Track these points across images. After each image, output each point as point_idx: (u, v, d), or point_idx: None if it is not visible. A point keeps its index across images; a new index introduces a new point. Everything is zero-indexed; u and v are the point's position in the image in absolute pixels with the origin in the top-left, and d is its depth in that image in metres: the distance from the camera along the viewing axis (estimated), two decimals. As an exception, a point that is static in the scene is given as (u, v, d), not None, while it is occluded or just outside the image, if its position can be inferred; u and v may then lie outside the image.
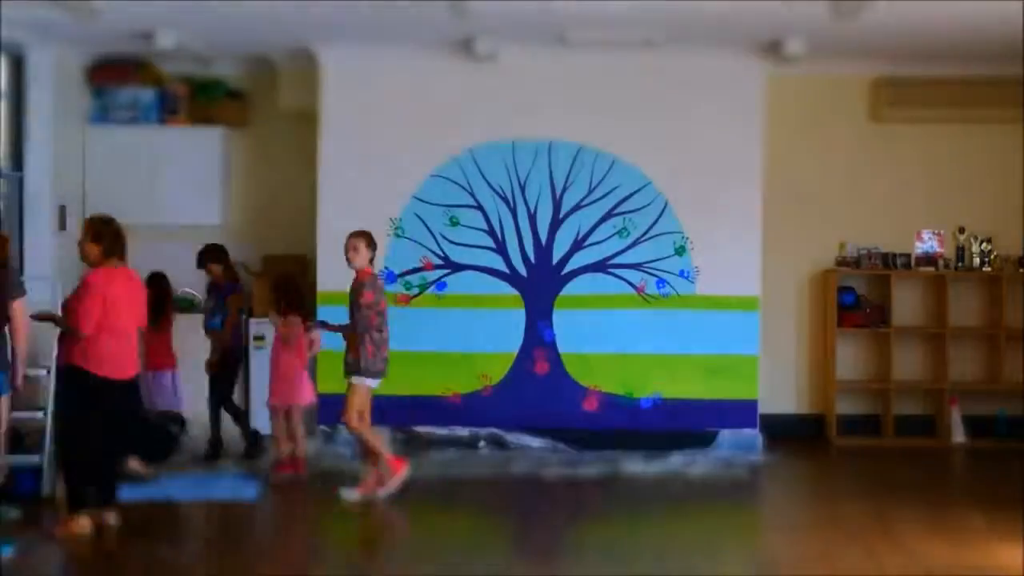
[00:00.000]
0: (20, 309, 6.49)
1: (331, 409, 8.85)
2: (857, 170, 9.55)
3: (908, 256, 9.51)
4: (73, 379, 6.31)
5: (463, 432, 8.86)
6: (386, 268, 8.90)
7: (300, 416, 8.02)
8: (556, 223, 8.96)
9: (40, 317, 6.70)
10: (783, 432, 9.15)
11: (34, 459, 7.19)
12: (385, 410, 8.61)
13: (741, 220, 8.87)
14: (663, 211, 8.89)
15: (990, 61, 8.92)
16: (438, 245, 8.96)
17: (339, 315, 8.84)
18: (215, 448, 8.41)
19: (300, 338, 8.00)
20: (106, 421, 6.31)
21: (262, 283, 9.06)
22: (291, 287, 8.19)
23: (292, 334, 8.02)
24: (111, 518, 6.40)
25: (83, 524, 6.30)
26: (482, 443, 8.83)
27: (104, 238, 6.36)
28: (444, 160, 8.93)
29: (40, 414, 7.37)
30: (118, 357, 6.31)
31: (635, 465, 8.32)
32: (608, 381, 8.88)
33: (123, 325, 6.34)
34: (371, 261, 7.32)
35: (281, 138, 9.64)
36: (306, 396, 8.09)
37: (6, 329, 6.51)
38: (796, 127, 9.40)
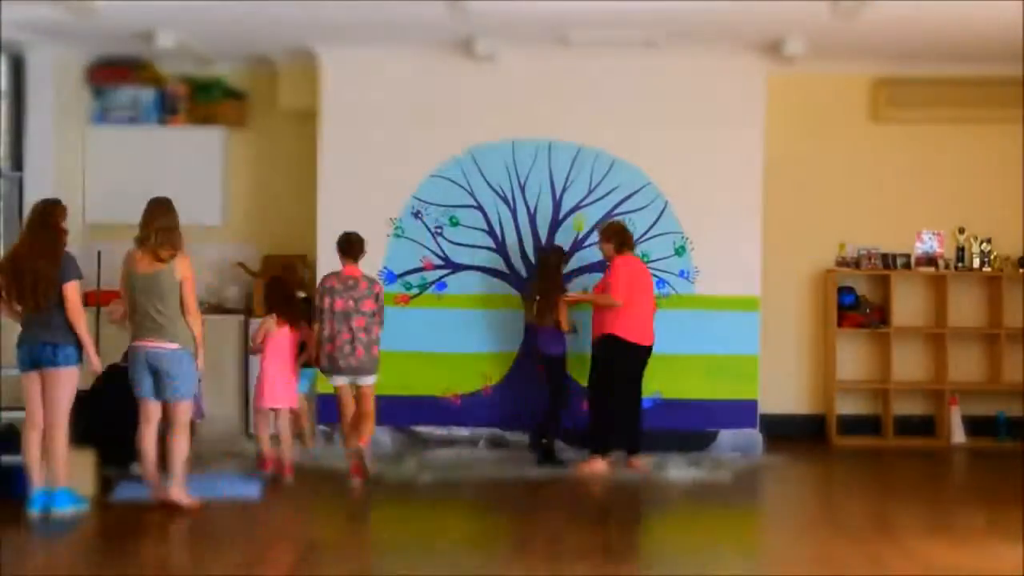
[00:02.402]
0: (73, 291, 6.71)
1: (330, 410, 8.88)
2: (857, 170, 9.55)
3: (908, 256, 9.52)
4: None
5: (463, 432, 8.85)
6: (386, 268, 8.90)
7: (287, 420, 7.98)
8: (556, 223, 8.96)
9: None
10: (783, 432, 9.15)
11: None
12: (385, 410, 8.61)
13: (741, 220, 8.86)
14: (663, 211, 8.89)
15: (990, 61, 8.91)
16: (438, 245, 8.97)
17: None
18: None
19: (292, 342, 7.96)
20: None
21: (261, 284, 9.02)
22: (283, 293, 8.06)
23: (282, 336, 7.96)
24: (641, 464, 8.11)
25: (600, 466, 8.03)
26: (482, 443, 8.82)
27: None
28: (444, 160, 8.94)
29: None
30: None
31: (635, 465, 8.31)
32: (608, 381, 8.86)
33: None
34: None
35: (281, 138, 9.64)
36: (293, 400, 8.03)
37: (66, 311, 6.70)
38: (796, 127, 9.40)
